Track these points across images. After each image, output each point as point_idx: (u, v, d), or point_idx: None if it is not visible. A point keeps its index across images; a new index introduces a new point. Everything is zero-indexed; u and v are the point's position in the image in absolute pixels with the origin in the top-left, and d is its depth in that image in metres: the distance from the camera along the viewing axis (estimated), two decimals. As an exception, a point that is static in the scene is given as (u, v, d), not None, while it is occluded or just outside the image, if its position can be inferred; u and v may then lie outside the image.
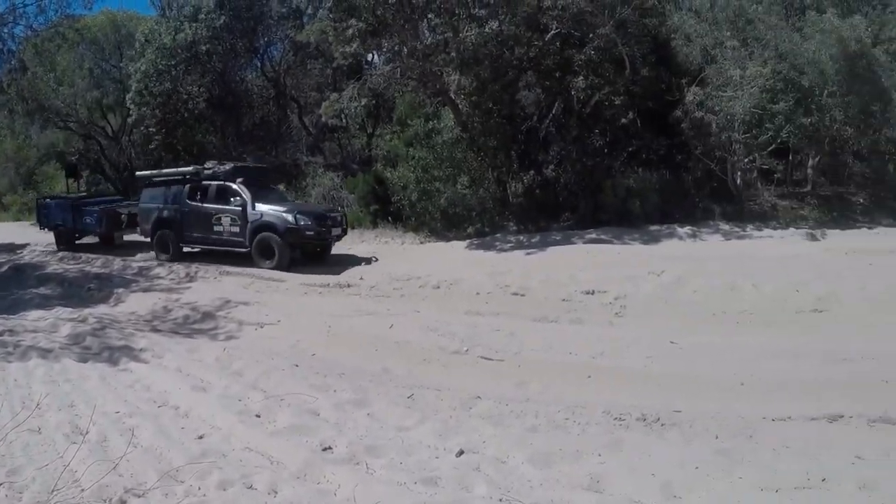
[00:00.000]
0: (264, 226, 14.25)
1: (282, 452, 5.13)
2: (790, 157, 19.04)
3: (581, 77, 16.30)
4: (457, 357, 7.87)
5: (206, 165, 16.15)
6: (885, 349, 7.59)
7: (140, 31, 22.75)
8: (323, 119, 18.30)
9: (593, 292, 9.88)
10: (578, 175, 17.04)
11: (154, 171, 17.37)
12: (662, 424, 5.49)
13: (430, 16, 16.06)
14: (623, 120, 17.44)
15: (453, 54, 15.44)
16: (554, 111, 17.88)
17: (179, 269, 14.40)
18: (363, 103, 16.88)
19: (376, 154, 20.82)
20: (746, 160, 16.95)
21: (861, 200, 19.42)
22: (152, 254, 16.19)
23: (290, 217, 14.07)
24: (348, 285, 12.04)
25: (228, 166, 15.84)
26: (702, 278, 10.17)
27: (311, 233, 14.22)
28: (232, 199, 14.82)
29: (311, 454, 5.08)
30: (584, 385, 6.68)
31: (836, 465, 4.78)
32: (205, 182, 15.52)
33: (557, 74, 16.99)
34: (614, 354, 7.43)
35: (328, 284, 12.20)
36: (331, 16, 16.17)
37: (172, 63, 20.81)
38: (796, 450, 5.03)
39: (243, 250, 14.58)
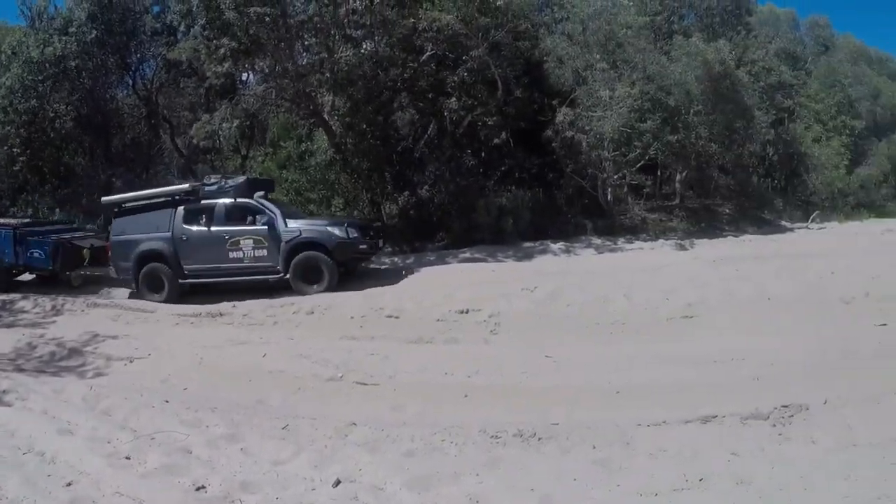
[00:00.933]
0: (305, 244, 12.19)
1: (153, 495, 4.83)
2: (659, 173, 19.98)
3: (454, 98, 16.42)
4: (332, 384, 7.58)
5: (206, 181, 13.56)
6: (753, 349, 7.87)
7: (7, 42, 20.68)
8: (195, 141, 17.48)
9: (468, 311, 9.69)
10: (452, 195, 17.15)
11: (127, 196, 14.09)
12: (539, 439, 5.43)
13: (304, 35, 15.79)
14: (496, 140, 17.74)
15: (328, 75, 15.26)
16: (429, 132, 17.92)
17: (45, 301, 13.14)
18: (236, 124, 16.28)
19: (250, 176, 20.27)
20: (616, 176, 17.59)
21: (727, 211, 20.71)
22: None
23: (338, 231, 12.29)
24: (220, 314, 11.44)
25: (240, 179, 13.58)
26: (575, 292, 10.23)
27: (365, 246, 12.76)
28: (255, 218, 12.62)
29: (184, 495, 4.82)
30: (460, 405, 6.53)
31: (712, 464, 4.88)
32: (206, 202, 12.92)
33: (431, 96, 17.07)
34: (490, 372, 7.32)
35: (200, 314, 11.55)
36: (204, 33, 15.61)
37: (39, 79, 19.35)
38: (673, 453, 5.11)
39: (275, 277, 12.34)
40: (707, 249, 16.00)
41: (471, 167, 17.77)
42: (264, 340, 9.58)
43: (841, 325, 9.36)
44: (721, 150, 19.76)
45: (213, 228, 12.65)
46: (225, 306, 11.70)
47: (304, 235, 12.22)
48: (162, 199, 13.30)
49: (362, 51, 15.67)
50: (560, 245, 15.74)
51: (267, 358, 8.64)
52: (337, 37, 15.44)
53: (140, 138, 23.53)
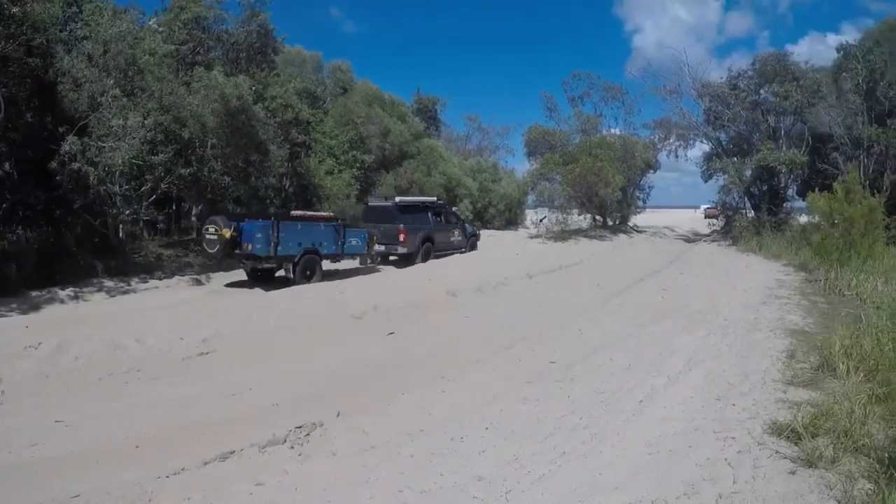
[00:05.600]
0: (472, 234, 25.43)
1: None
2: (175, 207, 19.60)
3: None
4: None
5: (435, 198, 25.83)
6: (271, 376, 8.36)
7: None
8: None
9: (-44, 384, 8.04)
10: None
11: (413, 199, 23.80)
12: (52, 523, 4.76)
13: None
14: (-2, 172, 15.38)
15: None
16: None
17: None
18: None
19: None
20: (128, 212, 16.70)
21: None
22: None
23: (472, 228, 26.91)
24: None
25: (441, 200, 27.14)
26: (82, 343, 9.41)
27: None
28: (456, 220, 25.17)
29: None
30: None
31: (238, 501, 4.94)
32: (437, 207, 23.68)
33: None
34: (-9, 453, 6.15)
35: None
36: None
37: None
38: (198, 500, 5.00)
39: (464, 250, 23.96)
40: (223, 281, 16.45)
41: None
42: None
43: (353, 338, 10.41)
44: (236, 182, 20.26)
45: (446, 223, 23.74)
46: None
47: (472, 230, 25.70)
48: (420, 205, 22.86)
49: None
50: (69, 291, 14.21)
51: None
52: None
53: None
